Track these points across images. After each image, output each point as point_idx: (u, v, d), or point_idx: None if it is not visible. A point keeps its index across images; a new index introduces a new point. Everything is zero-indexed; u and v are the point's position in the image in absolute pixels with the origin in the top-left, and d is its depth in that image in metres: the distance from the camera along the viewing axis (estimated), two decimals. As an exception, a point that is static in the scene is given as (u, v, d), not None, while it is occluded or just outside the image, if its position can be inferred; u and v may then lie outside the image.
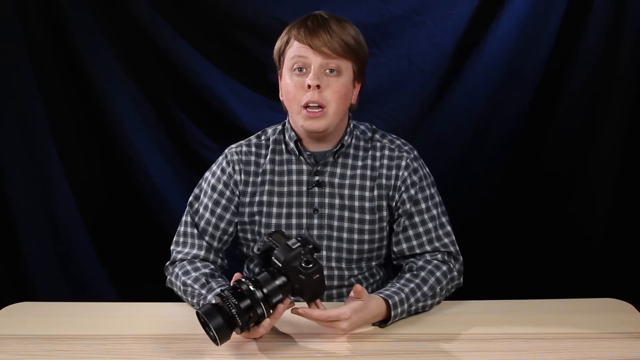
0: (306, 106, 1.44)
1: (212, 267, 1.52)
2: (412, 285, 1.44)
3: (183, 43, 2.11)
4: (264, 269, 1.29)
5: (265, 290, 1.24)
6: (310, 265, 1.25)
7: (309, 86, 1.42)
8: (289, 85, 1.46)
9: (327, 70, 1.44)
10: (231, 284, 1.28)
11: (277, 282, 1.26)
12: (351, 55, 1.45)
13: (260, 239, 1.39)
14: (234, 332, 1.24)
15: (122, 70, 2.13)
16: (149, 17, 2.08)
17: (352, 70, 1.47)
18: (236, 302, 1.22)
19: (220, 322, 1.21)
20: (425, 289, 1.44)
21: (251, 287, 1.24)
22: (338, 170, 1.54)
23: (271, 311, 1.26)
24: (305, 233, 1.31)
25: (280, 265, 1.26)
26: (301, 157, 1.53)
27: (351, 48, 1.44)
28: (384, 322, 1.39)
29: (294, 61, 1.45)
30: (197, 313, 1.25)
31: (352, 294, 1.35)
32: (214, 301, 1.27)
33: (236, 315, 1.21)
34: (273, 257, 1.27)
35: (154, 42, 2.10)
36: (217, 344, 1.23)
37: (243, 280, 1.26)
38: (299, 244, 1.28)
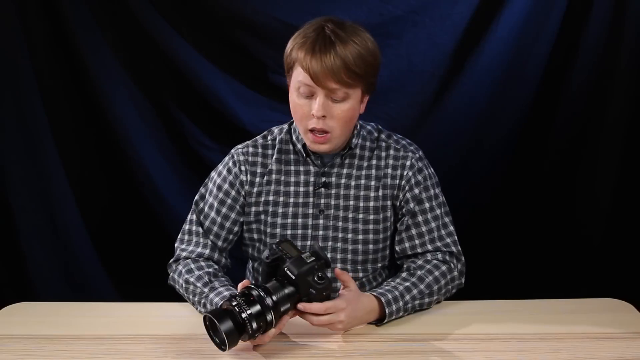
0: (312, 130, 1.44)
1: (216, 266, 1.52)
2: (407, 283, 1.44)
3: (183, 43, 2.11)
4: (273, 278, 1.29)
5: (274, 298, 1.25)
6: (322, 281, 1.27)
7: (314, 114, 1.42)
8: (295, 104, 1.45)
9: (333, 98, 1.42)
10: (239, 291, 1.28)
11: (287, 291, 1.26)
12: (358, 79, 1.41)
13: (269, 247, 1.39)
14: (240, 340, 1.24)
15: (122, 70, 2.13)
16: (149, 17, 2.08)
17: (360, 91, 1.45)
18: (247, 308, 1.22)
19: (230, 326, 1.21)
20: (421, 287, 1.44)
21: (262, 294, 1.24)
22: (344, 171, 1.54)
23: (278, 319, 1.26)
24: (315, 245, 1.31)
25: (293, 277, 1.27)
26: (308, 159, 1.54)
27: (358, 74, 1.40)
28: (379, 321, 1.39)
29: (299, 85, 1.42)
30: (205, 317, 1.25)
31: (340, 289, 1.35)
32: (223, 306, 1.26)
33: (247, 321, 1.22)
34: (285, 269, 1.28)
35: (154, 42, 2.10)
36: (224, 350, 1.23)
37: (252, 286, 1.27)
38: (312, 257, 1.28)
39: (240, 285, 1.32)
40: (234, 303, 1.23)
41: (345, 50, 1.38)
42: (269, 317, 1.24)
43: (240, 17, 2.08)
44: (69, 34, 2.06)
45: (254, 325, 1.22)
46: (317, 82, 1.39)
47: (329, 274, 1.30)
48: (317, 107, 1.41)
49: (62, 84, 2.12)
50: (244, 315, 1.22)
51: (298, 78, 1.42)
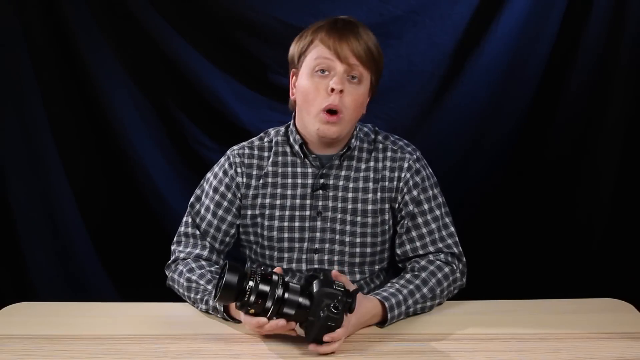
0: (326, 110, 1.43)
1: (217, 266, 1.52)
2: (411, 286, 1.43)
3: (183, 43, 2.11)
4: (299, 285, 1.28)
5: (286, 295, 1.24)
6: (335, 312, 1.24)
7: (332, 90, 1.41)
8: (308, 87, 1.44)
9: (350, 77, 1.43)
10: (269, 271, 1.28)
11: (300, 300, 1.25)
12: (373, 64, 1.45)
13: (317, 268, 1.45)
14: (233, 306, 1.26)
15: (122, 70, 2.12)
16: (149, 17, 2.08)
17: (370, 81, 1.47)
18: (258, 281, 1.22)
19: (233, 282, 1.21)
20: (425, 290, 1.44)
21: (279, 283, 1.24)
22: (343, 173, 1.53)
23: (274, 318, 1.25)
24: (357, 292, 1.28)
25: (314, 291, 1.25)
26: (306, 160, 1.53)
27: (374, 57, 1.45)
28: (381, 323, 1.39)
29: (317, 62, 1.43)
30: (225, 263, 1.25)
31: None
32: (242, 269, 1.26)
33: (248, 290, 1.22)
34: (314, 283, 1.26)
35: (154, 42, 2.10)
36: (214, 298, 1.24)
37: (278, 274, 1.27)
38: (343, 289, 1.25)
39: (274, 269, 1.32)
40: (252, 272, 1.23)
41: (365, 35, 1.45)
42: (268, 304, 1.23)
43: (240, 17, 2.08)
44: (69, 34, 2.07)
45: (252, 298, 1.22)
46: (338, 55, 1.41)
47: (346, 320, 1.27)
48: (336, 79, 1.41)
49: (62, 84, 2.12)
50: (251, 283, 1.22)
51: (316, 55, 1.44)
